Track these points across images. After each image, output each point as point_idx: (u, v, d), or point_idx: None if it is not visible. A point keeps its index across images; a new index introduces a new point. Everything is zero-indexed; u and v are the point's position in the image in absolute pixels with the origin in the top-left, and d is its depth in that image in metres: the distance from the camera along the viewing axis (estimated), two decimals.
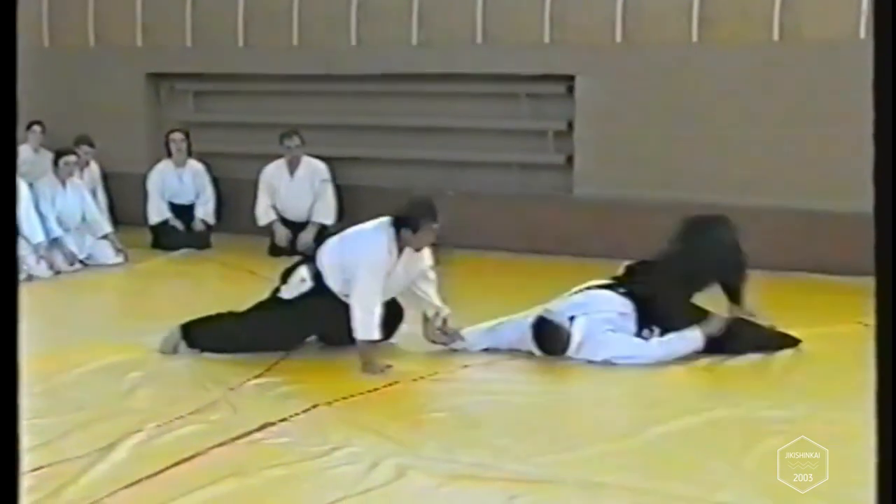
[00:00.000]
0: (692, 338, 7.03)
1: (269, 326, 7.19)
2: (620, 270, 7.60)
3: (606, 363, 7.04)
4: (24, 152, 12.33)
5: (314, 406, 6.09)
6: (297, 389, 6.43)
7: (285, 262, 10.41)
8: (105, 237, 11.17)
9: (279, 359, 7.06)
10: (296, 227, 11.79)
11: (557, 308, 7.24)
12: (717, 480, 5.01)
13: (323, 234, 11.69)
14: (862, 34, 9.92)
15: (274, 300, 7.38)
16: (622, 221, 11.05)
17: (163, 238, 12.08)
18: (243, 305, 7.75)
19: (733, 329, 7.23)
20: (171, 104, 13.74)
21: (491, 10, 11.72)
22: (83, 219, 11.09)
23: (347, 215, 11.79)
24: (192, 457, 5.22)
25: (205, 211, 12.33)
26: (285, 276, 7.41)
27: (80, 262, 10.84)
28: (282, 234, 11.72)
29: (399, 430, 5.71)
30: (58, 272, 10.47)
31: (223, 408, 6.08)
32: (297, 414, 5.95)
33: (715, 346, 7.11)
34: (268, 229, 11.78)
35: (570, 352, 7.11)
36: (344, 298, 7.02)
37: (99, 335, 7.88)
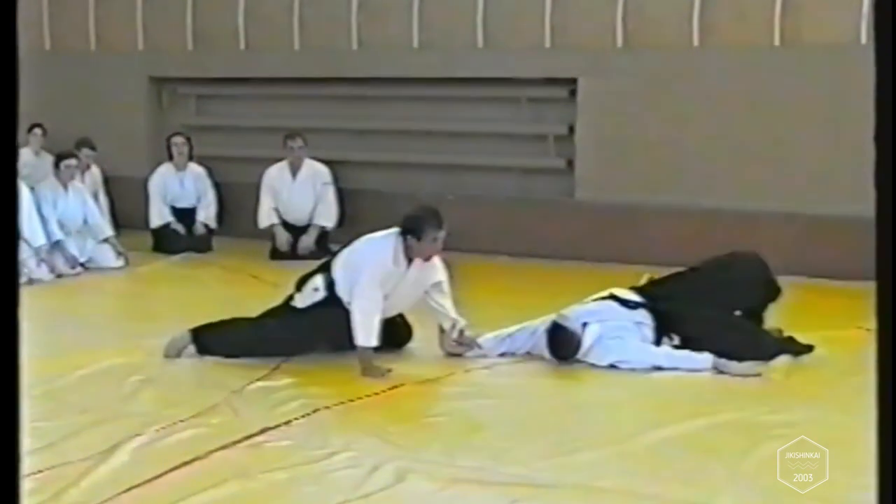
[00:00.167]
0: (702, 360, 7.01)
1: (281, 334, 7.19)
2: (643, 280, 7.61)
3: (610, 367, 7.04)
4: (25, 155, 12.35)
5: (315, 410, 6.09)
6: (298, 393, 6.43)
7: (286, 265, 10.49)
8: (106, 240, 11.18)
9: (280, 362, 7.06)
10: (297, 231, 11.79)
11: (572, 314, 7.24)
12: (718, 485, 5.01)
13: (324, 237, 11.72)
14: (863, 39, 9.93)
15: (286, 308, 7.39)
16: (623, 226, 11.05)
17: (164, 241, 12.09)
18: (244, 309, 7.75)
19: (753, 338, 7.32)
20: (173, 108, 13.75)
21: (492, 14, 11.73)
22: (84, 222, 11.09)
23: (348, 219, 11.81)
24: (194, 460, 5.22)
25: (206, 215, 12.33)
26: (300, 284, 7.41)
27: (81, 265, 10.85)
28: (282, 238, 11.72)
29: (400, 434, 5.70)
30: (59, 275, 10.47)
31: (224, 411, 6.07)
32: (298, 417, 5.95)
33: (732, 356, 7.07)
34: (269, 233, 11.78)
35: (579, 355, 7.12)
36: (349, 307, 7.03)
37: (100, 338, 7.87)
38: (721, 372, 6.93)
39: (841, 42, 10.12)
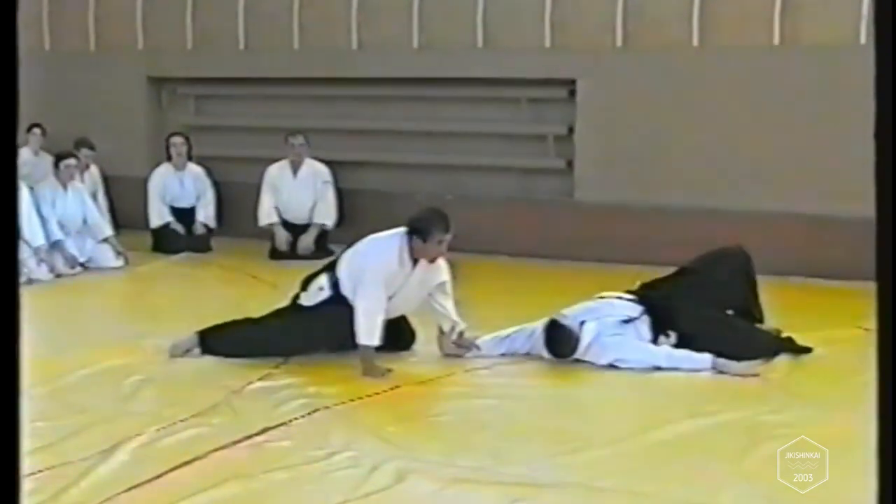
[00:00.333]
0: (701, 360, 7.01)
1: (286, 333, 7.20)
2: (636, 285, 7.64)
3: (609, 367, 7.05)
4: (25, 155, 12.34)
5: (315, 409, 6.09)
6: (298, 393, 6.43)
7: (285, 265, 10.49)
8: (105, 240, 11.18)
9: (280, 362, 7.06)
10: (296, 230, 11.79)
11: (570, 313, 7.25)
12: (718, 484, 5.01)
13: (323, 237, 11.73)
14: (862, 39, 9.92)
15: (293, 307, 7.40)
16: (623, 226, 11.05)
17: (163, 241, 12.09)
18: (244, 308, 7.76)
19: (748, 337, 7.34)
20: (172, 108, 13.75)
21: (492, 15, 11.72)
22: (84, 222, 11.09)
23: (347, 219, 11.81)
24: (194, 460, 5.22)
25: (205, 214, 12.34)
26: (305, 283, 7.42)
27: (81, 265, 10.85)
28: (282, 238, 11.72)
29: (400, 434, 5.71)
30: (58, 275, 10.47)
31: (224, 411, 6.08)
32: (298, 417, 5.96)
33: (729, 355, 7.08)
34: (268, 233, 11.78)
35: (578, 354, 7.12)
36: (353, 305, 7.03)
37: (99, 338, 7.88)
38: (720, 372, 6.93)
39: (840, 42, 10.12)
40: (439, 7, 12.00)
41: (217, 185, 12.53)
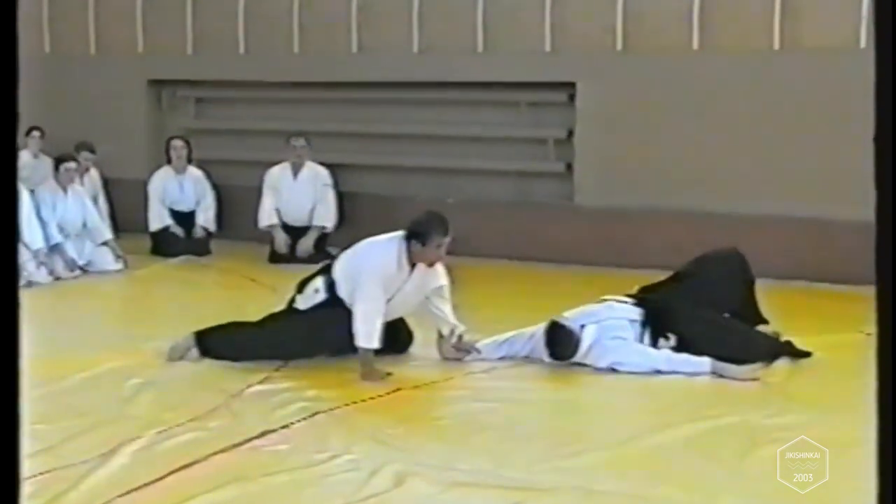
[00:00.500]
0: (700, 363, 7.01)
1: (283, 336, 7.20)
2: (634, 289, 7.65)
3: (609, 370, 7.05)
4: (24, 158, 12.34)
5: (314, 413, 6.09)
6: (297, 396, 6.42)
7: (284, 269, 10.49)
8: (105, 243, 11.18)
9: (280, 366, 7.06)
10: (296, 233, 11.79)
11: (571, 316, 7.26)
12: (718, 488, 5.02)
13: (323, 240, 11.72)
14: (862, 42, 9.93)
15: (289, 310, 7.40)
16: (622, 230, 11.05)
17: (163, 245, 12.09)
18: (243, 312, 7.76)
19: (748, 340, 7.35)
20: (172, 111, 13.75)
21: (491, 18, 11.73)
22: (84, 225, 11.09)
23: (347, 222, 11.81)
24: (193, 463, 5.22)
25: (205, 218, 12.33)
26: (301, 286, 7.42)
27: (80, 268, 10.85)
28: (281, 240, 11.72)
29: (399, 437, 5.71)
30: (58, 278, 10.47)
31: (223, 414, 6.08)
32: (297, 421, 5.95)
33: (728, 358, 7.08)
34: (268, 236, 11.78)
35: (578, 357, 7.12)
36: (350, 308, 7.03)
37: (99, 341, 7.87)
38: (720, 375, 6.93)
39: (840, 45, 10.13)
40: (439, 11, 12.00)
41: (217, 189, 12.53)
